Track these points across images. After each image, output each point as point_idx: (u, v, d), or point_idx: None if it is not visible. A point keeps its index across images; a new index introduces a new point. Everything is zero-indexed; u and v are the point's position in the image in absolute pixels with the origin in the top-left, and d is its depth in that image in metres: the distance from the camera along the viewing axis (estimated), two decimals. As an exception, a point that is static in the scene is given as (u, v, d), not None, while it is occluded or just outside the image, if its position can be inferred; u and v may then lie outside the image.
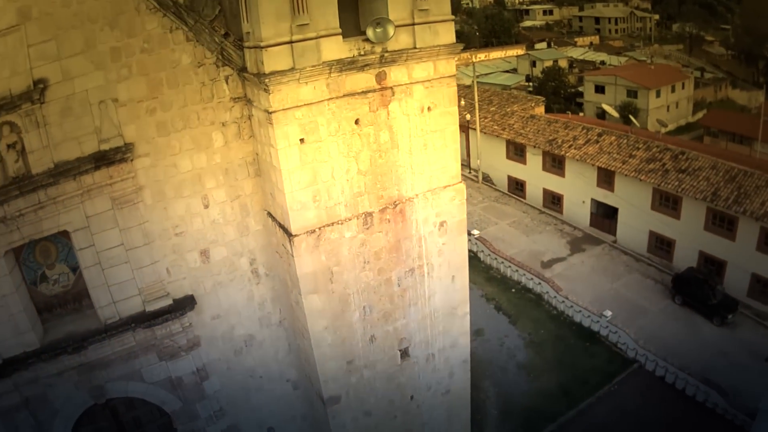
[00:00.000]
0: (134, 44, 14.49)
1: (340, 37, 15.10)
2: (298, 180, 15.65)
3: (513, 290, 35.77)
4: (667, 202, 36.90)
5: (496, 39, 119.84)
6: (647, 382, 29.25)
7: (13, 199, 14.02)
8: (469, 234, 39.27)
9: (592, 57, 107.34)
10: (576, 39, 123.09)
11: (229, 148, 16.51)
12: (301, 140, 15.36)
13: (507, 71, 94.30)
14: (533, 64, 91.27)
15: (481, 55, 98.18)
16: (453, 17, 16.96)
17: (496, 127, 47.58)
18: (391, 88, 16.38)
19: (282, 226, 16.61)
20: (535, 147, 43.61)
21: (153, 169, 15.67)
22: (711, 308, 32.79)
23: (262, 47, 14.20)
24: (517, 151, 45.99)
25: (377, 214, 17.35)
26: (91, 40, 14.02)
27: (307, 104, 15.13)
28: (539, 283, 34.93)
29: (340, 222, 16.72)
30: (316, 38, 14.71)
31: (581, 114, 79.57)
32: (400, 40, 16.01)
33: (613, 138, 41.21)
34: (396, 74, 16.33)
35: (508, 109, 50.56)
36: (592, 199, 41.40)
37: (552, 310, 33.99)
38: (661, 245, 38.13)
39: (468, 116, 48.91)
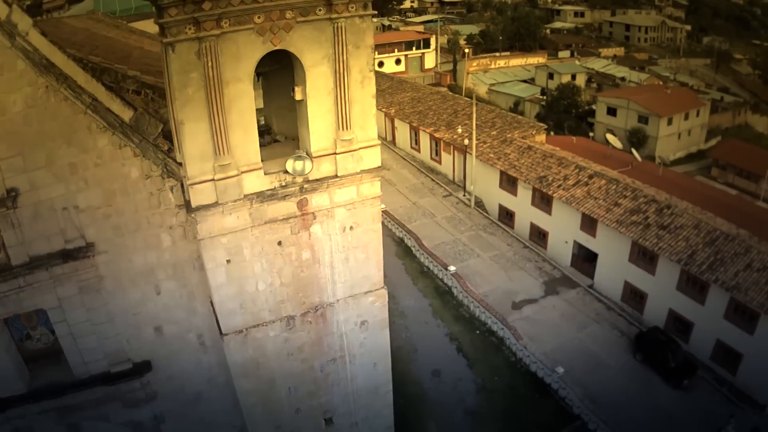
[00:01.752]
0: (88, 159, 16.56)
1: (262, 171, 16.54)
2: (226, 292, 17.76)
3: (477, 332, 36.38)
4: (644, 257, 37.29)
5: (521, 42, 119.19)
6: (588, 441, 30.08)
7: (-2, 283, 16.87)
8: (446, 269, 40.00)
9: (613, 71, 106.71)
10: (600, 50, 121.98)
11: (177, 247, 18.56)
12: (228, 261, 17.23)
13: (525, 80, 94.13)
14: (550, 76, 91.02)
15: (501, 62, 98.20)
16: (378, 143, 17.77)
17: (492, 155, 47.91)
18: (313, 213, 17.71)
19: (217, 321, 18.66)
20: (526, 182, 43.96)
21: (112, 263, 17.94)
22: (669, 370, 33.40)
23: (189, 184, 15.89)
24: (509, 182, 46.37)
25: (299, 317, 19.26)
26: (52, 156, 16.19)
27: (232, 232, 16.94)
28: (503, 328, 35.55)
29: (264, 324, 18.73)
30: (238, 175, 16.13)
31: (591, 135, 79.73)
32: (322, 168, 17.21)
33: (603, 182, 41.46)
34: (317, 200, 17.63)
35: (509, 135, 50.82)
36: (575, 241, 41.85)
37: (511, 356, 34.64)
38: (634, 296, 38.63)
39: (466, 141, 49.30)
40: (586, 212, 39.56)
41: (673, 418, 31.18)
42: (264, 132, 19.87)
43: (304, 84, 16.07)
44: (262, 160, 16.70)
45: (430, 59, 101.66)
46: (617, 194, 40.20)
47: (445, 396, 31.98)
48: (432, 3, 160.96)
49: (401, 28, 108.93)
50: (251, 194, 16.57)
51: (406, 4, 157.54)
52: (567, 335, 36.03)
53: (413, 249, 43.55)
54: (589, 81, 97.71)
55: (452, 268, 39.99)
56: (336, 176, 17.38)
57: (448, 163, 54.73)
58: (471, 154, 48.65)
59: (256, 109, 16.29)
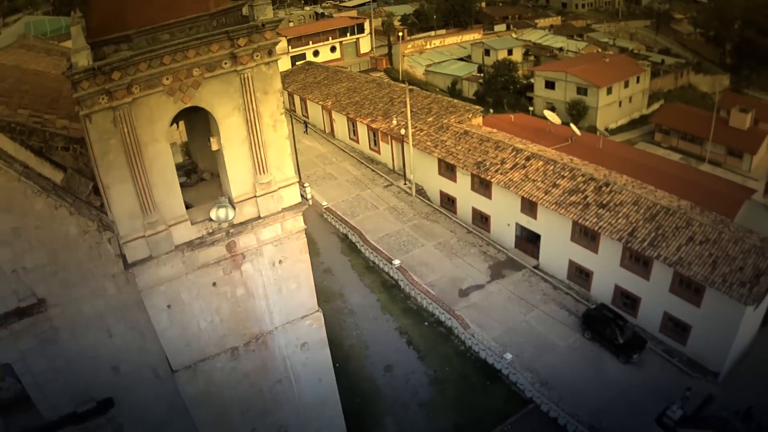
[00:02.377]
0: (29, 222, 17.12)
1: (189, 222, 17.48)
2: (171, 334, 18.75)
3: (426, 323, 36.23)
4: (586, 236, 37.39)
5: (456, 18, 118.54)
6: (541, 423, 30.25)
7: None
8: (391, 263, 39.49)
9: (550, 42, 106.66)
10: (537, 20, 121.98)
11: (122, 293, 19.01)
12: (169, 306, 18.21)
13: (461, 59, 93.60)
14: (487, 53, 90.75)
15: (437, 42, 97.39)
16: (296, 180, 18.79)
17: (429, 143, 47.41)
18: (242, 253, 18.71)
19: (167, 358, 19.51)
20: (463, 168, 43.55)
21: (64, 314, 18.47)
22: (618, 347, 33.59)
23: (122, 242, 16.79)
24: (448, 168, 45.98)
25: (242, 347, 20.24)
26: (-5, 222, 17.09)
27: (169, 280, 17.86)
28: (450, 318, 35.30)
29: (211, 357, 19.78)
30: (166, 229, 17.09)
31: (531, 109, 79.79)
32: (245, 211, 18.17)
33: (541, 164, 41.37)
34: (245, 240, 18.62)
35: (445, 121, 50.39)
36: (517, 223, 41.73)
37: (460, 345, 34.59)
38: (580, 274, 38.79)
39: (402, 131, 48.65)
40: (524, 196, 39.35)
41: (625, 393, 31.56)
42: (190, 171, 21.37)
43: (219, 134, 16.87)
44: (189, 202, 18.07)
45: (366, 44, 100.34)
46: (555, 175, 40.15)
47: (398, 390, 31.94)
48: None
49: (334, 15, 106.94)
50: (181, 244, 17.53)
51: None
52: (515, 319, 36.12)
53: (358, 244, 43.00)
54: (526, 54, 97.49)
55: (396, 261, 39.56)
56: (259, 217, 18.33)
57: (387, 152, 54.11)
58: (408, 143, 48.04)
59: (183, 143, 17.48)
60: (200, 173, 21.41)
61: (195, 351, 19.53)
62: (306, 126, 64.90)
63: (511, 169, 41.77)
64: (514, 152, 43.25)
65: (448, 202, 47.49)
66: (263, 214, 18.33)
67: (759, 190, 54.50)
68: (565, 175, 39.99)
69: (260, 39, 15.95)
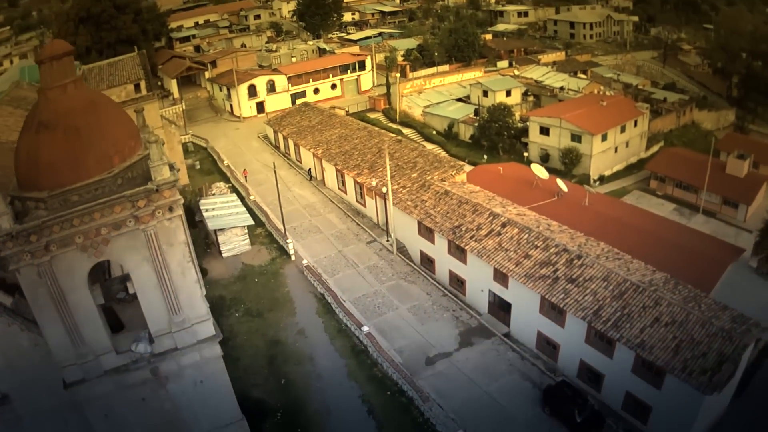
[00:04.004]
0: None
1: (114, 352, 19.95)
2: None
3: (389, 392, 36.74)
4: (553, 309, 37.83)
5: (460, 53, 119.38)
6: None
7: None
8: (360, 329, 40.13)
9: (552, 80, 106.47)
10: (540, 56, 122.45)
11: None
12: (106, 415, 20.50)
13: (460, 99, 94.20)
14: (485, 93, 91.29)
15: (436, 80, 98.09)
16: (209, 317, 21.05)
17: (409, 203, 48.21)
18: (165, 376, 20.94)
19: None
20: (440, 233, 44.24)
21: (25, 406, 21.33)
22: (576, 426, 33.90)
23: (60, 368, 19.16)
24: (428, 229, 46.65)
25: None
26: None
27: (103, 396, 20.28)
28: (411, 389, 35.84)
29: None
30: (95, 358, 19.37)
31: (526, 155, 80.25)
32: (164, 344, 20.54)
33: (515, 231, 41.96)
34: (167, 366, 20.92)
35: (428, 178, 51.20)
36: (490, 290, 42.27)
37: (419, 416, 35.04)
38: (548, 345, 39.22)
39: (384, 189, 49.44)
40: (496, 266, 39.93)
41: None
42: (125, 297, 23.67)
43: (132, 282, 19.36)
44: (125, 320, 21.17)
45: (367, 81, 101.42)
46: (529, 245, 40.69)
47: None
48: (373, 14, 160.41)
49: (337, 51, 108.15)
50: (110, 370, 20.10)
51: (347, 17, 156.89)
52: (477, 390, 36.54)
53: (333, 305, 43.62)
54: (525, 94, 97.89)
55: (365, 328, 40.24)
56: (176, 349, 20.72)
57: (372, 206, 54.96)
58: (389, 201, 48.82)
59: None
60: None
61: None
62: (310, 174, 65.72)
63: (486, 236, 42.38)
64: (491, 217, 43.88)
65: (428, 262, 48.15)
66: (180, 346, 20.55)
67: (749, 247, 53.72)
68: (539, 245, 40.49)
69: (159, 198, 18.07)
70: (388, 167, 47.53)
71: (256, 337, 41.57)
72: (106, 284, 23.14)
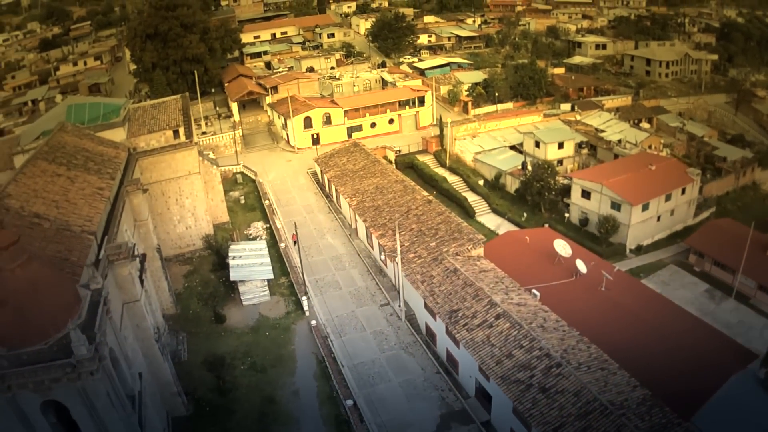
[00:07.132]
0: None
1: None
2: None
3: (359, 468, 39.78)
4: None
5: (525, 91, 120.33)
6: None
7: None
8: (346, 400, 43.26)
9: (612, 129, 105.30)
10: (605, 100, 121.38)
11: None
12: None
13: (513, 147, 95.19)
14: (537, 144, 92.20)
15: (492, 124, 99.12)
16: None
17: (418, 276, 51.04)
18: None
19: None
20: (438, 315, 46.95)
21: None
22: None
23: None
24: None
25: None
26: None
27: None
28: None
29: None
30: None
31: (567, 216, 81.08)
32: None
33: (507, 326, 44.18)
34: None
35: (444, 249, 53.75)
36: (475, 378, 44.72)
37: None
38: (520, 439, 41.39)
39: (397, 259, 52.36)
40: (478, 362, 42.36)
41: None
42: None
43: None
44: None
45: (426, 116, 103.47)
46: (515, 343, 42.78)
47: None
48: (449, 38, 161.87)
49: (400, 83, 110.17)
50: None
51: (422, 39, 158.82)
52: (442, 483, 39.06)
53: (329, 370, 46.86)
54: (580, 145, 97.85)
55: (349, 401, 43.25)
56: None
57: (392, 267, 57.80)
58: (400, 272, 51.72)
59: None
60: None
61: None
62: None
63: (478, 326, 44.81)
64: (489, 306, 46.20)
65: (430, 336, 50.90)
66: None
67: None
68: (524, 344, 42.50)
69: (81, 367, 24.93)
70: (398, 241, 50.38)
71: (254, 393, 45.16)
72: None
